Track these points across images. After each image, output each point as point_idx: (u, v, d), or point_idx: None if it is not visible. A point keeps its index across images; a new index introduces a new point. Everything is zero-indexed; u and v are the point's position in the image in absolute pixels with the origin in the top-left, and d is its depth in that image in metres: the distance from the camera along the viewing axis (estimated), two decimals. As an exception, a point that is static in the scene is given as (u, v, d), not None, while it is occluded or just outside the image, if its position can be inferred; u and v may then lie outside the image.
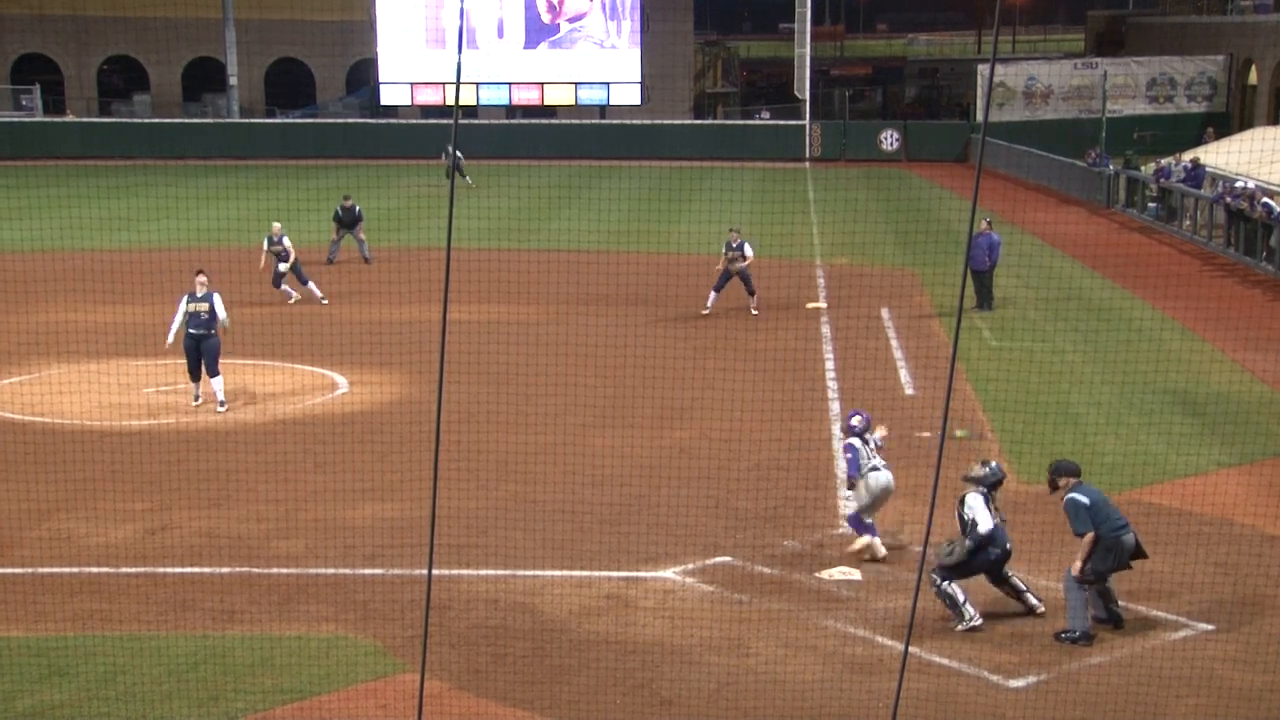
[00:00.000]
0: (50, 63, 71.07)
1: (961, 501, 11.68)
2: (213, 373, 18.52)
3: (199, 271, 19.01)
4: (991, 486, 11.73)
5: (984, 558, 11.55)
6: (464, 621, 11.62)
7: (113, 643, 10.99)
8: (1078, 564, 11.26)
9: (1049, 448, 15.69)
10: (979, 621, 11.39)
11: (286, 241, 26.56)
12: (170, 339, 18.69)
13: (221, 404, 18.55)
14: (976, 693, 10.46)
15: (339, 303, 26.35)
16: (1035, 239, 33.73)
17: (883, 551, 12.92)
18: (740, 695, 10.43)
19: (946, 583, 11.48)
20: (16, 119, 63.12)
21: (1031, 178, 48.02)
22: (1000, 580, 11.75)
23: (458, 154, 47.10)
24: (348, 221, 31.32)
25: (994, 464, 11.98)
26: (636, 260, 26.28)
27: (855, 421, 13.24)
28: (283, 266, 26.57)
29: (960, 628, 11.39)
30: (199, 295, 18.53)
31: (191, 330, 18.47)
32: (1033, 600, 11.73)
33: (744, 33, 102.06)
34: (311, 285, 26.85)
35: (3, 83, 66.99)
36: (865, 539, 12.99)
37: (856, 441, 13.08)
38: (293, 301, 26.66)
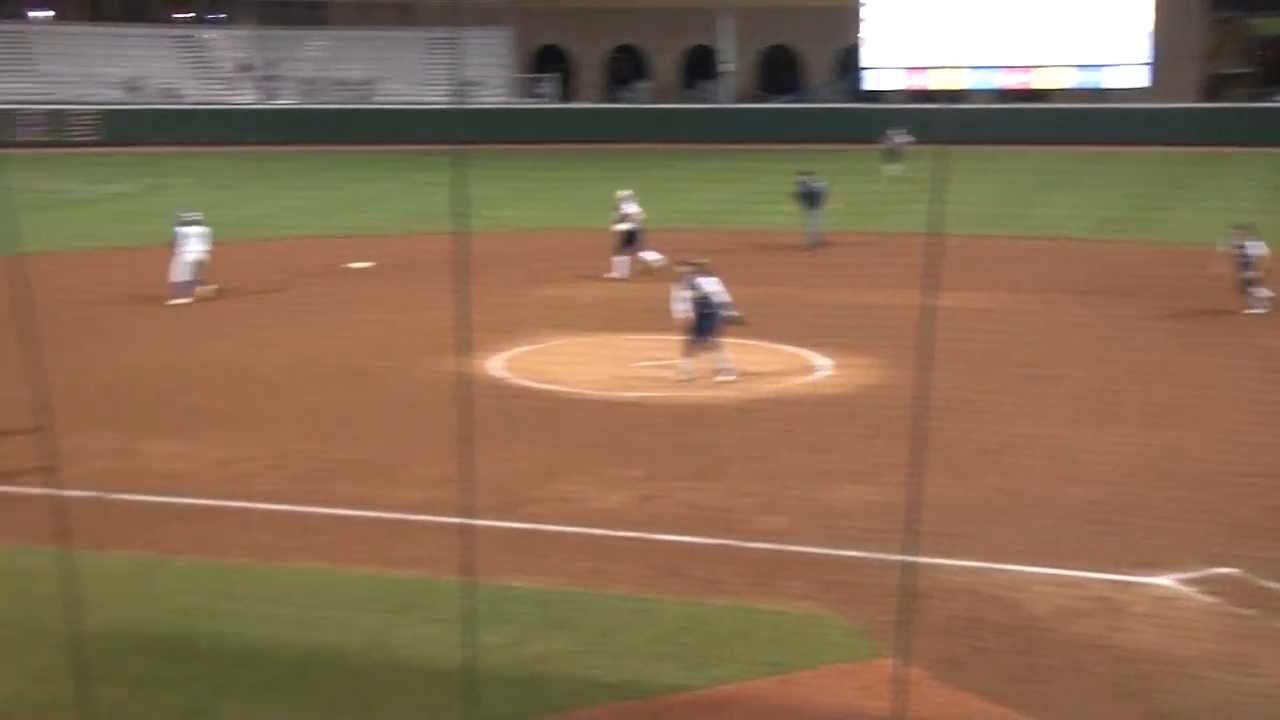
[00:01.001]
0: (564, 53, 75.93)
1: None
2: (716, 348, 19.26)
3: (697, 261, 19.68)
4: None
5: None
6: (942, 611, 11.54)
7: (609, 601, 11.68)
8: None
9: None
10: None
11: (630, 208, 27.48)
12: (678, 315, 19.47)
13: (726, 373, 19.19)
14: None
15: (819, 286, 26.62)
16: None
17: None
18: (1247, 718, 9.80)
19: None
20: (533, 106, 67.91)
21: None
22: None
23: (906, 139, 46.48)
24: (809, 199, 31.44)
25: None
26: (1129, 250, 25.07)
27: None
28: (621, 227, 27.61)
29: None
30: (703, 278, 19.25)
31: (699, 311, 19.16)
32: None
33: (1265, 8, 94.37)
34: (647, 255, 27.62)
35: (524, 72, 72.06)
36: None
37: None
38: (611, 276, 27.40)
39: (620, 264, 27.97)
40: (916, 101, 61.60)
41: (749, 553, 12.96)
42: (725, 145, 59.82)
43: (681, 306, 19.38)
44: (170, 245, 25.89)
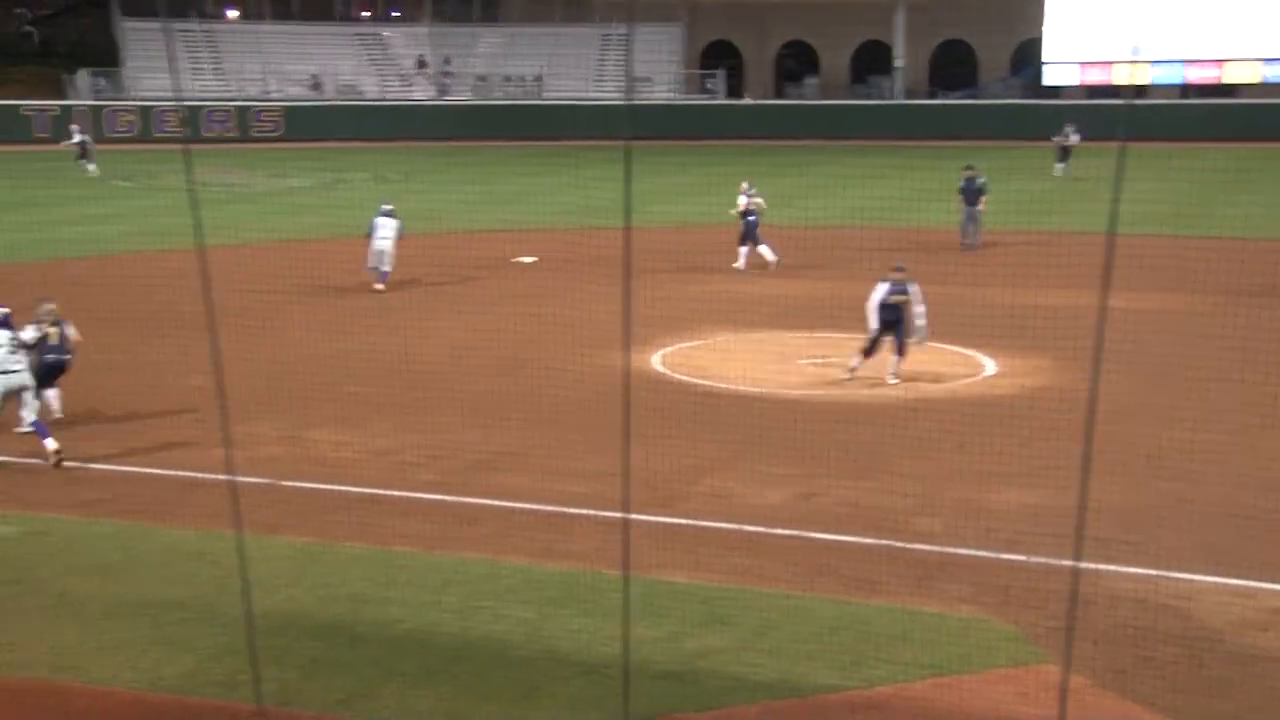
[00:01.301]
0: (733, 48, 75.88)
1: None
2: (902, 352, 19.01)
3: (898, 266, 19.38)
4: None
5: None
6: (1108, 618, 11.23)
7: (764, 598, 11.65)
8: None
9: None
10: None
11: (749, 199, 28.01)
12: (873, 322, 19.10)
13: (895, 376, 19.00)
14: None
15: (985, 285, 26.12)
16: None
17: None
18: None
19: None
20: (701, 101, 68.01)
21: None
22: None
23: (1076, 137, 45.17)
24: (969, 195, 30.95)
25: None
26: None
27: None
28: (736, 210, 28.31)
29: None
30: (899, 283, 18.93)
31: (886, 318, 18.92)
32: None
33: None
34: (764, 250, 27.95)
35: (693, 68, 72.24)
36: None
37: None
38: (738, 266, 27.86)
39: (742, 255, 28.18)
40: (1096, 97, 60.04)
41: (908, 553, 12.80)
42: (895, 141, 59.12)
43: (874, 306, 19.11)
44: (367, 234, 26.88)
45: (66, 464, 15.35)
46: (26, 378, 15.81)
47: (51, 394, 17.02)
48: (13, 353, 15.71)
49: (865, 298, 19.27)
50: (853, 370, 19.19)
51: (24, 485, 14.74)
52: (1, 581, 12.00)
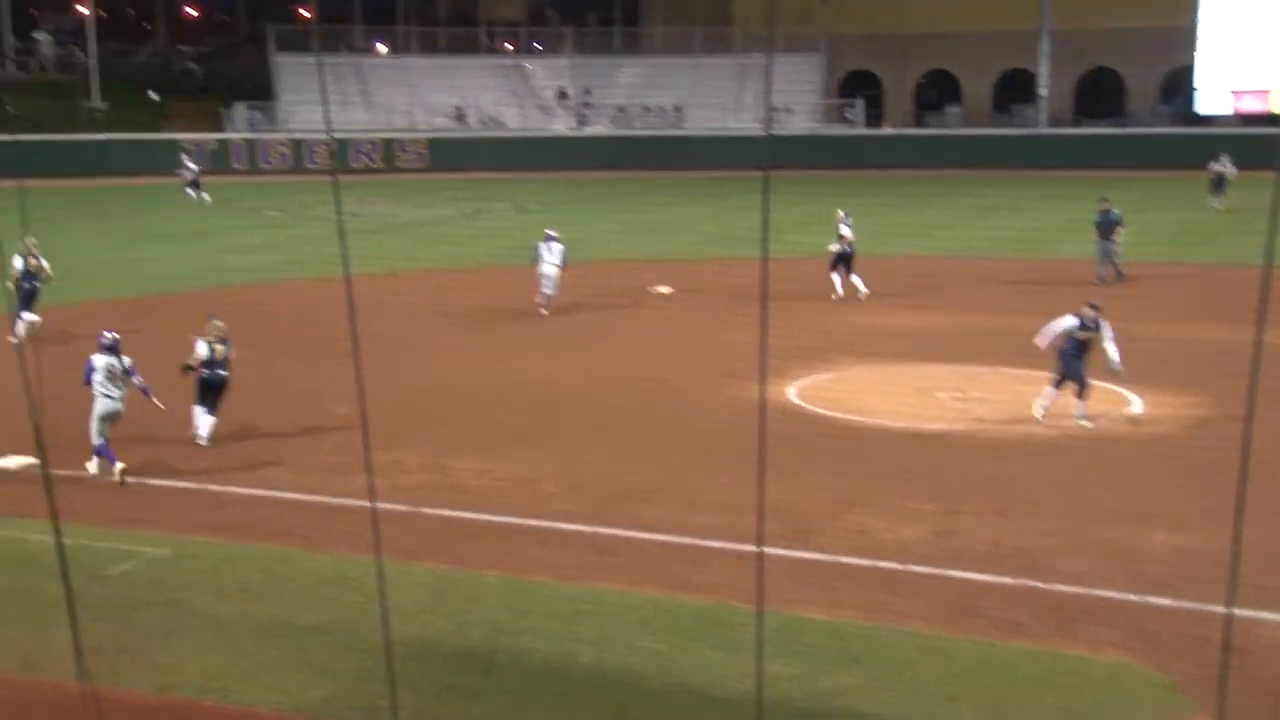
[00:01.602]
0: (873, 78, 75.43)
1: None
2: (1084, 393, 18.29)
3: (1093, 304, 18.82)
4: None
5: None
6: (1264, 669, 10.81)
7: (902, 637, 11.46)
8: None
9: None
10: None
11: (845, 230, 27.94)
12: (1043, 343, 18.61)
13: (1083, 419, 18.28)
14: None
15: (1132, 319, 25.46)
16: None
17: None
18: None
19: None
20: (839, 132, 67.71)
21: None
22: None
23: (1231, 169, 43.66)
24: (1104, 228, 30.04)
25: None
26: None
27: None
28: (833, 247, 28.01)
29: None
30: (1090, 320, 18.35)
31: (1070, 354, 18.33)
32: None
33: None
34: (857, 281, 27.78)
35: (832, 97, 71.99)
36: None
37: None
38: (836, 298, 27.54)
39: (835, 283, 28.11)
40: (1251, 125, 58.37)
41: (1051, 595, 12.50)
42: (1040, 171, 58.13)
43: (1051, 339, 18.47)
44: (532, 261, 27.50)
45: (212, 488, 15.77)
46: (121, 406, 16.30)
47: (206, 420, 17.52)
48: (112, 379, 16.21)
49: (1045, 328, 18.66)
50: (1042, 409, 18.55)
51: (175, 509, 15.17)
52: (154, 603, 12.35)
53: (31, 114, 61.42)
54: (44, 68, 72.10)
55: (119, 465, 15.93)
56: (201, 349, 17.46)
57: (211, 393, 17.51)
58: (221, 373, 17.50)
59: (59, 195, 48.04)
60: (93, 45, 67.90)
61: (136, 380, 16.40)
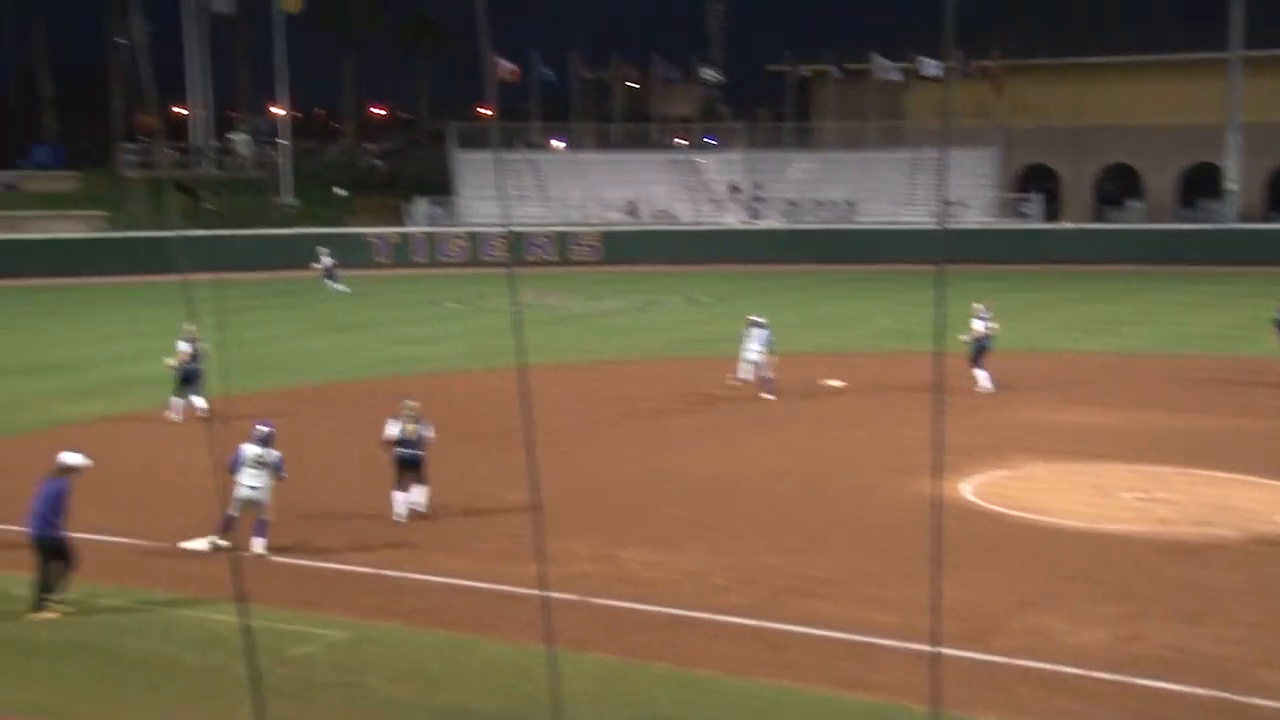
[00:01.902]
0: (1050, 171, 74.34)
1: None
2: None
3: None
4: None
5: None
6: None
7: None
8: None
9: None
10: None
11: (979, 324, 27.59)
12: None
13: None
14: None
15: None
16: None
17: None
18: None
19: None
20: (1014, 225, 66.79)
21: None
22: None
23: None
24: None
25: None
26: None
27: None
28: (964, 337, 27.56)
29: None
30: None
31: None
32: None
33: None
34: (980, 374, 27.18)
35: (1009, 191, 71.14)
36: None
37: None
38: (980, 389, 26.81)
39: (980, 377, 27.38)
40: None
41: (1249, 709, 11.92)
42: (1229, 267, 56.44)
43: None
44: (740, 343, 27.93)
45: (388, 572, 16.04)
46: (261, 496, 16.74)
47: (418, 491, 18.05)
48: (256, 468, 16.69)
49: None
50: None
51: (355, 592, 15.47)
52: (333, 685, 12.58)
53: (229, 210, 64.28)
54: (241, 165, 75.50)
55: (224, 542, 16.37)
56: (392, 428, 18.05)
57: (409, 471, 18.02)
58: (417, 452, 18.02)
59: (253, 288, 50.03)
60: (287, 144, 70.94)
61: (281, 475, 16.94)
